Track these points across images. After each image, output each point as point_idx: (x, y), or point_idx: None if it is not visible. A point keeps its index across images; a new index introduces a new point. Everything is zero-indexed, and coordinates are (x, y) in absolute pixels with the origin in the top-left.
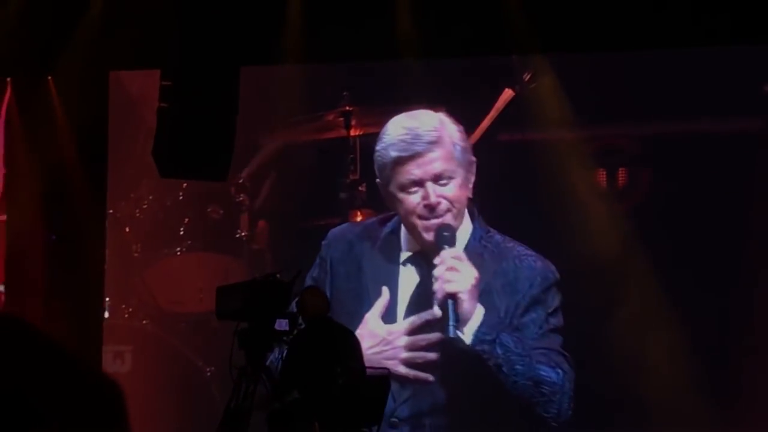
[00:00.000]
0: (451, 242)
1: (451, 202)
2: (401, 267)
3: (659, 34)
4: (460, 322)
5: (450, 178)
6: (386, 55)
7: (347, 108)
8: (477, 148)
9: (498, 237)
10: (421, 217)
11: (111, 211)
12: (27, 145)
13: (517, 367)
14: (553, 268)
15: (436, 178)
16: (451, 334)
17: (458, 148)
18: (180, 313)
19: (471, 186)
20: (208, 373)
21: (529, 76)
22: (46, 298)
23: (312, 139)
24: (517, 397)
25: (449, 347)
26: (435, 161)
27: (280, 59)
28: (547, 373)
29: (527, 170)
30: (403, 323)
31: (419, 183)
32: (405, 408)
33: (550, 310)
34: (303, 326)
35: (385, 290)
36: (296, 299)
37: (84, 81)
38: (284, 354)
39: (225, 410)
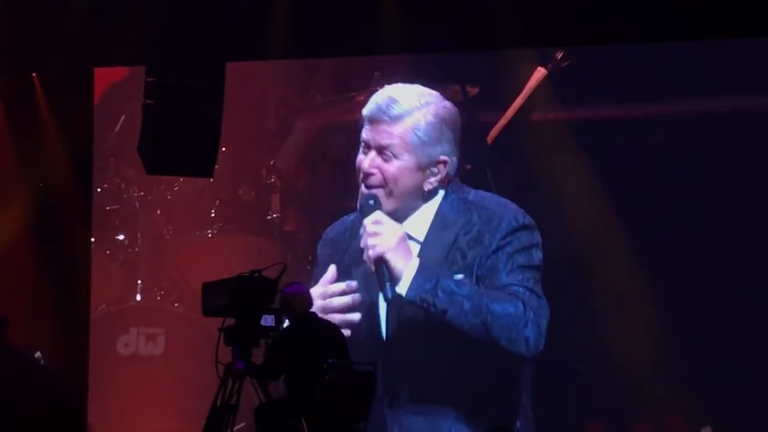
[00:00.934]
0: (369, 212)
1: (386, 179)
2: None
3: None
4: (395, 279)
5: (394, 156)
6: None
7: (378, 88)
8: (511, 126)
9: (471, 192)
10: (359, 180)
11: (138, 193)
12: (12, 142)
13: (466, 306)
14: (522, 212)
15: (380, 149)
16: (389, 295)
17: (416, 135)
18: None
19: (434, 181)
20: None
21: (561, 55)
22: (32, 291)
23: (344, 120)
24: (478, 338)
25: (397, 307)
26: (385, 133)
27: (267, 55)
28: (501, 307)
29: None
30: (316, 289)
31: (368, 146)
32: (397, 390)
33: (516, 249)
34: (287, 322)
35: (331, 267)
36: (279, 296)
37: (69, 78)
38: (268, 349)
39: (211, 408)
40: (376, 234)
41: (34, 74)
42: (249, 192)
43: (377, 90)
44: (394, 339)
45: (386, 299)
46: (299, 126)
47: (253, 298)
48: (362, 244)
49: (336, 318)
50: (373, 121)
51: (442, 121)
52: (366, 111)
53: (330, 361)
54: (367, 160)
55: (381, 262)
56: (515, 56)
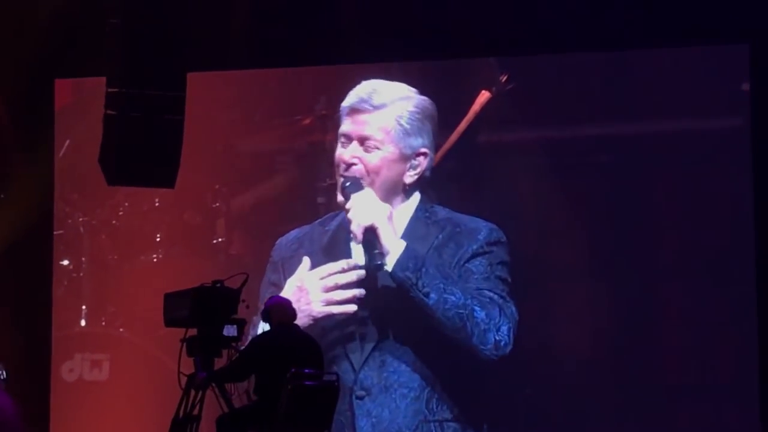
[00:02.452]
0: (358, 190)
1: (367, 169)
2: (351, 245)
3: (634, 35)
4: (382, 253)
5: (376, 147)
6: (362, 59)
7: (324, 112)
8: (455, 149)
9: (441, 210)
10: (340, 175)
11: (83, 218)
12: None
13: (447, 295)
14: (499, 230)
15: (362, 140)
16: (377, 261)
17: (398, 125)
18: (158, 321)
19: (414, 174)
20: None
21: (505, 78)
22: None
23: (289, 143)
24: (453, 328)
25: (377, 282)
26: (367, 123)
27: (229, 65)
28: (480, 306)
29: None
30: (317, 270)
31: (348, 138)
32: (367, 375)
33: (495, 261)
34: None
35: (305, 260)
36: (262, 309)
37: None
38: (240, 350)
39: (173, 419)
40: (366, 205)
41: None
42: (194, 216)
43: (323, 114)
44: (372, 314)
45: (376, 267)
46: (244, 149)
47: (215, 308)
48: (350, 216)
49: (344, 295)
50: (355, 111)
51: (423, 113)
52: (346, 103)
53: (293, 370)
54: (348, 152)
55: (371, 232)
56: (462, 79)
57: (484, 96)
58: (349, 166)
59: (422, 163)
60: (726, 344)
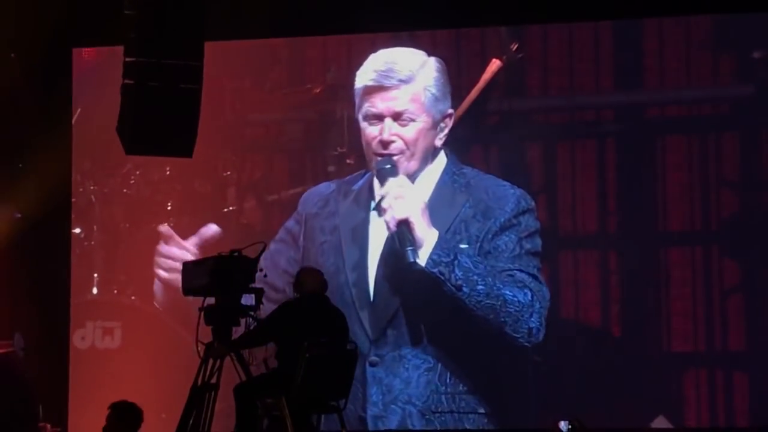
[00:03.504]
0: (394, 173)
1: (406, 143)
2: (372, 215)
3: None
4: (417, 244)
5: (411, 120)
6: (371, 29)
7: (333, 82)
8: (466, 117)
9: (470, 172)
10: (375, 153)
11: (94, 187)
12: None
13: (479, 287)
14: (528, 196)
15: (396, 116)
16: (411, 258)
17: (429, 93)
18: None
19: (442, 136)
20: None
21: (516, 46)
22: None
23: (299, 113)
24: (484, 318)
25: (410, 273)
26: (398, 99)
27: (245, 34)
28: (512, 293)
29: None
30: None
31: (379, 117)
32: (383, 345)
33: (523, 234)
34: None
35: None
36: (294, 277)
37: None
38: (270, 314)
39: (191, 388)
40: (401, 197)
41: (12, 54)
42: (205, 185)
43: (333, 83)
44: (380, 295)
45: (410, 263)
46: (255, 118)
47: (232, 277)
48: (385, 205)
49: None
50: (379, 88)
51: (444, 76)
52: (366, 81)
53: (311, 339)
54: (384, 130)
55: (404, 225)
56: (472, 50)
57: (495, 64)
58: (387, 144)
59: (448, 124)
60: (737, 314)
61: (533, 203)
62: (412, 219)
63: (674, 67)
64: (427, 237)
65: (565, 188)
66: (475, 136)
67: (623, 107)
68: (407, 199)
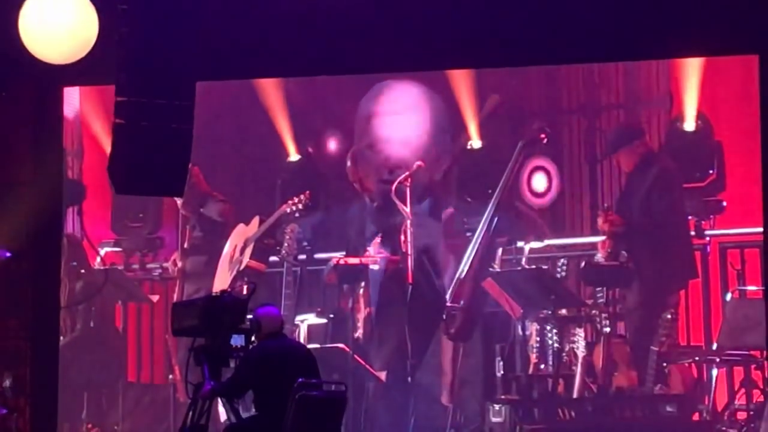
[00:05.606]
0: (404, 200)
1: (411, 173)
2: None
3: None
4: (437, 272)
5: (417, 147)
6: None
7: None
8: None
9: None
10: (381, 180)
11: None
12: None
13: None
14: None
15: (403, 143)
16: (433, 284)
17: (435, 122)
18: None
19: (443, 169)
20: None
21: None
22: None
23: None
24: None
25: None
26: (403, 125)
27: (236, 74)
28: None
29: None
30: None
31: (387, 141)
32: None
33: None
34: (256, 342)
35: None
36: (251, 317)
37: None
38: (235, 367)
39: (180, 428)
40: (421, 225)
41: (3, 93)
42: None
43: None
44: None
45: (431, 293)
46: None
47: (223, 317)
48: (404, 229)
49: None
50: (383, 114)
51: (445, 106)
52: (372, 108)
53: (300, 380)
54: (391, 155)
55: (424, 253)
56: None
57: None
58: (392, 170)
59: (447, 159)
60: None
61: None
62: (431, 247)
63: None
64: (449, 263)
65: None
66: None
67: None
68: (426, 227)
